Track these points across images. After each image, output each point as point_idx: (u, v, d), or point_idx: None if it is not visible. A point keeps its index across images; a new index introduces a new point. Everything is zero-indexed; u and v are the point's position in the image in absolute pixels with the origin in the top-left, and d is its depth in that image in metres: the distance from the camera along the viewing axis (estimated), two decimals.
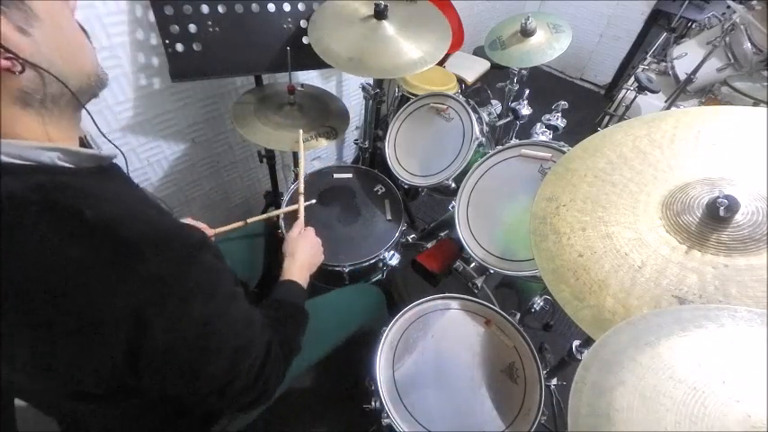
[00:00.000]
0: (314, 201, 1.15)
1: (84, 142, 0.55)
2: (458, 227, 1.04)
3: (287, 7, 1.06)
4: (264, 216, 1.05)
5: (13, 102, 0.42)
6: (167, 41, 0.95)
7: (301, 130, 1.08)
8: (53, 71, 0.43)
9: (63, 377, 0.47)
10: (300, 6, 1.08)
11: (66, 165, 0.45)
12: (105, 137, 0.64)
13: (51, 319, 0.42)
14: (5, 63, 0.39)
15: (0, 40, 0.38)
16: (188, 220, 0.93)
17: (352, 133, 1.97)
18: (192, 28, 0.96)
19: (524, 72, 1.57)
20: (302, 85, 1.23)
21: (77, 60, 0.48)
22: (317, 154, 1.89)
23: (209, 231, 0.95)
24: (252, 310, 0.59)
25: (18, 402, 0.62)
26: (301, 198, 1.01)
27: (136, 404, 0.56)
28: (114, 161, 0.54)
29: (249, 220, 1.00)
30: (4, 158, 0.41)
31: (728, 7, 1.86)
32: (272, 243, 1.10)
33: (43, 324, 0.43)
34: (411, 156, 1.26)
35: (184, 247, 0.48)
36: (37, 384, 0.48)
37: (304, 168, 1.04)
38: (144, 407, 0.58)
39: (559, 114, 1.22)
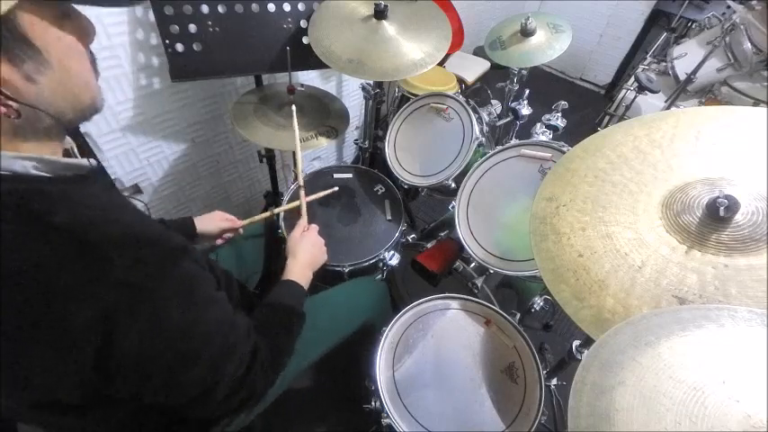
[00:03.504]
0: (336, 188, 1.16)
1: (68, 153, 0.55)
2: (458, 227, 1.04)
3: (287, 7, 1.06)
4: (291, 206, 1.08)
5: (6, 133, 0.43)
6: (167, 41, 0.95)
7: (294, 107, 1.05)
8: (51, 111, 0.45)
9: (36, 387, 0.46)
10: (300, 6, 1.08)
11: (42, 174, 0.46)
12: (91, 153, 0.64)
13: (21, 325, 0.42)
14: (2, 109, 0.40)
15: (1, 87, 0.40)
16: (218, 213, 0.97)
17: (352, 133, 1.97)
18: (192, 28, 0.96)
19: (524, 72, 1.57)
20: (302, 86, 1.23)
21: (77, 99, 0.49)
22: (316, 154, 1.89)
23: (237, 223, 0.99)
24: (235, 315, 0.59)
25: None
26: (302, 194, 1.00)
27: (127, 413, 0.55)
28: (95, 168, 0.53)
29: (275, 210, 1.05)
30: None
31: (728, 7, 1.86)
32: (272, 243, 1.10)
33: (13, 331, 0.42)
34: (411, 156, 1.26)
35: (159, 254, 0.47)
36: (13, 397, 0.48)
37: (302, 162, 1.03)
38: (137, 415, 0.57)
39: (559, 114, 1.22)
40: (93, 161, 0.53)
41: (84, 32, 0.49)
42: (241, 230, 1.01)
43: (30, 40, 0.41)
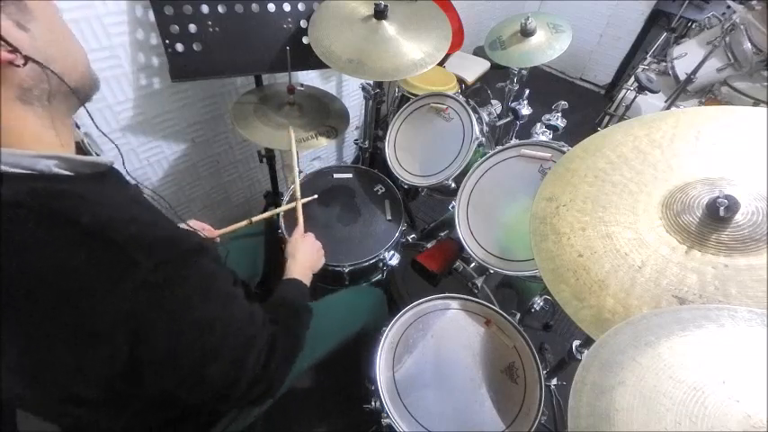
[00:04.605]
0: (315, 196, 1.14)
1: (81, 147, 0.55)
2: (458, 227, 1.04)
3: (287, 7, 1.06)
4: (268, 214, 1.05)
5: (15, 98, 0.43)
6: (167, 41, 0.95)
7: (291, 129, 1.05)
8: (51, 67, 0.44)
9: (55, 382, 0.47)
10: (300, 6, 1.08)
11: (64, 172, 0.46)
12: (107, 136, 0.64)
13: (46, 324, 0.42)
14: (8, 56, 0.40)
15: (1, 33, 0.39)
16: (192, 222, 0.93)
17: (352, 133, 1.97)
18: (192, 28, 0.96)
19: (524, 72, 1.57)
20: (302, 85, 1.23)
21: (71, 57, 0.48)
22: (316, 154, 1.89)
23: (214, 232, 0.95)
24: (253, 307, 0.60)
25: None
26: (299, 203, 1.01)
27: (135, 408, 0.56)
28: (113, 165, 0.54)
29: (254, 219, 0.99)
30: (3, 167, 0.41)
31: (728, 7, 1.86)
32: (273, 243, 1.10)
33: (38, 329, 0.43)
34: (411, 156, 1.26)
35: (180, 252, 0.48)
36: (29, 388, 0.48)
37: (297, 170, 1.03)
38: (143, 411, 0.57)
39: (559, 114, 1.22)
40: (110, 159, 0.53)
41: None
42: (218, 239, 0.97)
43: None
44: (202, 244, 0.52)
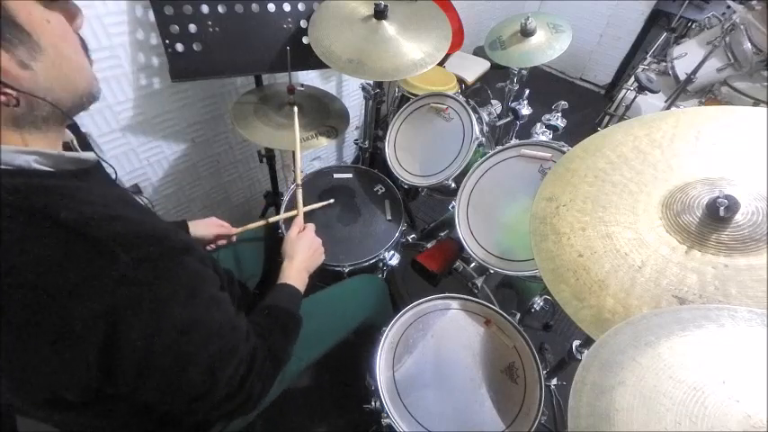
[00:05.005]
0: (332, 200, 1.14)
1: (69, 146, 0.55)
2: (458, 227, 1.04)
3: (287, 7, 1.06)
4: (286, 215, 1.07)
5: (6, 123, 0.43)
6: (167, 41, 0.95)
7: (296, 108, 1.05)
8: (49, 98, 0.44)
9: (39, 384, 0.46)
10: (300, 6, 1.08)
11: (44, 168, 0.45)
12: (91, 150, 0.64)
13: (24, 320, 0.42)
14: (2, 98, 0.40)
15: (1, 77, 0.40)
16: (212, 220, 0.95)
17: (352, 133, 1.97)
18: (192, 28, 0.96)
19: (524, 72, 1.58)
20: (302, 85, 1.23)
21: (73, 84, 0.48)
22: (316, 154, 1.89)
23: (232, 230, 0.97)
24: (237, 317, 0.58)
25: None
26: (300, 195, 1.00)
27: (124, 412, 0.55)
28: (102, 163, 0.54)
29: (270, 219, 1.02)
30: None
31: (728, 7, 1.86)
32: (272, 244, 1.10)
33: (15, 325, 0.42)
34: (411, 156, 1.26)
35: (164, 250, 0.47)
36: (16, 393, 0.48)
37: (301, 162, 1.02)
38: (133, 415, 0.57)
39: (559, 114, 1.22)
40: (94, 156, 0.52)
41: (71, 15, 0.48)
42: (234, 238, 0.99)
43: (19, 24, 0.40)
44: (189, 243, 0.51)
